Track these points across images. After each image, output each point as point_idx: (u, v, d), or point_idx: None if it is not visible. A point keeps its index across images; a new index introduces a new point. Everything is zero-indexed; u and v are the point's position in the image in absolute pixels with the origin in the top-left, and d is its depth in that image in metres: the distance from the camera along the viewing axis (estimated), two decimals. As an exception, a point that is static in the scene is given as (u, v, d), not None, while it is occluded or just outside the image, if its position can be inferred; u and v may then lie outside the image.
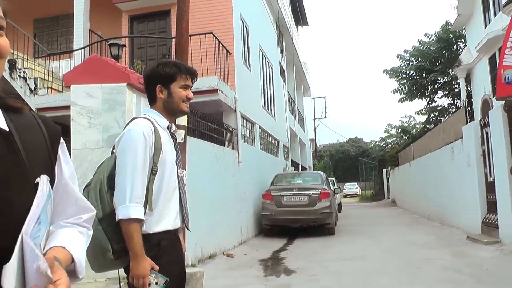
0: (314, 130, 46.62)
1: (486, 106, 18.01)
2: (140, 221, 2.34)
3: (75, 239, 1.35)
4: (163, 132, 2.59)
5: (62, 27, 14.92)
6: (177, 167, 2.63)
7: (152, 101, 2.70)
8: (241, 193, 12.17)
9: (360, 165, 47.40)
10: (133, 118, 2.63)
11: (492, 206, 10.05)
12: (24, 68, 10.82)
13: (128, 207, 2.31)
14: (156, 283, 2.33)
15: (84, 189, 2.43)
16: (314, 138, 46.39)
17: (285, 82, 23.64)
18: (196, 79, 2.79)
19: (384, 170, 33.40)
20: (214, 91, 10.57)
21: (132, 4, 13.27)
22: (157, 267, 2.36)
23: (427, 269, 7.49)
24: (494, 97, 12.74)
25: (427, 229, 13.50)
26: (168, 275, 2.40)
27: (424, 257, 8.59)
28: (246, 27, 14.49)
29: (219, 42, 11.46)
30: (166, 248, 2.48)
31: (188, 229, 2.75)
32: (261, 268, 8.49)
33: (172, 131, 2.69)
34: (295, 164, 25.31)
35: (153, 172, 2.45)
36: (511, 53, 10.78)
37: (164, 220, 2.49)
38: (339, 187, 20.39)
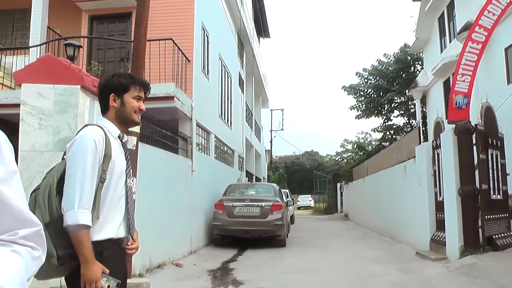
0: (270, 142, 46.86)
1: (438, 128, 18.49)
2: (88, 227, 2.34)
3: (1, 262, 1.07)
4: (114, 140, 2.61)
5: (18, 21, 14.45)
6: (126, 177, 2.63)
7: (105, 110, 2.73)
8: (193, 202, 12.05)
9: (314, 178, 47.89)
10: (86, 125, 2.64)
11: (440, 224, 10.26)
12: (-26, 62, 10.46)
13: (77, 213, 2.30)
14: (108, 286, 2.35)
15: (31, 194, 2.42)
16: (270, 150, 46.60)
17: (243, 93, 23.65)
18: (149, 93, 2.84)
19: (338, 184, 33.82)
20: (170, 98, 10.45)
21: (92, 4, 13.02)
22: (107, 271, 2.36)
23: (375, 284, 7.57)
24: (446, 120, 13.09)
25: (377, 244, 13.67)
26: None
27: (373, 272, 8.68)
28: (207, 35, 14.43)
29: (179, 49, 11.36)
30: (109, 258, 2.45)
31: (132, 239, 2.71)
32: (209, 278, 8.40)
33: (123, 140, 2.71)
34: (249, 175, 25.32)
35: (101, 180, 2.46)
36: (462, 79, 11.14)
37: (106, 228, 2.48)
38: (292, 199, 20.51)
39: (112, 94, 2.68)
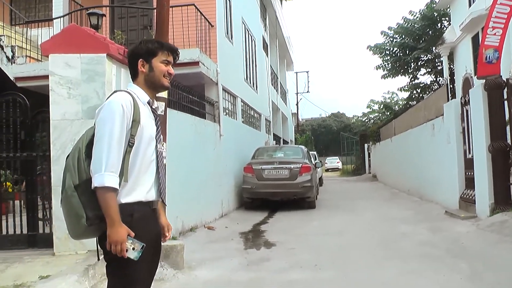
0: (297, 104, 46.73)
1: (467, 84, 18.16)
2: (114, 190, 2.39)
3: None
4: (143, 106, 2.65)
5: (41, -6, 14.53)
6: (156, 142, 2.67)
7: (134, 76, 2.76)
8: (222, 166, 12.17)
9: (342, 139, 47.69)
10: (114, 91, 2.67)
11: (470, 182, 10.18)
12: (1, 36, 10.57)
13: (103, 176, 2.35)
14: (133, 249, 2.39)
15: (66, 159, 2.51)
16: (296, 112, 46.49)
17: (267, 56, 23.50)
18: (178, 58, 2.85)
19: (366, 145, 33.64)
20: (195, 63, 10.46)
21: (113, -27, 13.00)
22: (133, 234, 2.41)
23: (404, 244, 7.59)
24: (475, 76, 12.82)
25: (406, 204, 13.66)
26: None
27: (402, 232, 8.71)
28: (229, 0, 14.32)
29: (201, 14, 11.30)
30: (139, 220, 2.51)
31: (164, 203, 2.78)
32: (241, 241, 8.54)
33: (153, 107, 2.75)
34: (277, 138, 25.35)
35: (129, 144, 2.50)
36: (493, 33, 10.82)
37: (135, 191, 2.53)
38: (320, 161, 20.49)
39: (141, 59, 2.71)
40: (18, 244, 6.33)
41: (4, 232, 6.47)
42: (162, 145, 2.79)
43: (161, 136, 2.79)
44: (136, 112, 2.53)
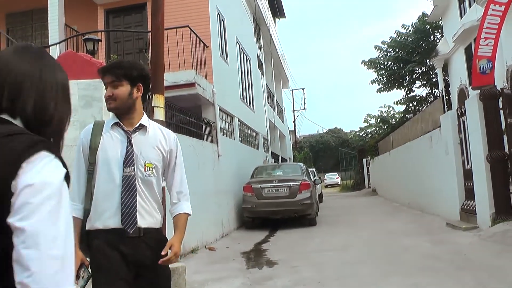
0: (294, 122, 46.75)
1: (462, 95, 18.24)
2: (74, 218, 2.38)
3: None
4: (110, 131, 2.62)
5: (36, 21, 14.62)
6: (124, 165, 2.56)
7: None
8: (221, 186, 12.16)
9: (340, 155, 47.74)
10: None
11: (469, 193, 10.19)
12: (-2, 65, 10.63)
13: None
14: (82, 277, 2.47)
15: None
16: (293, 130, 46.54)
17: (263, 75, 23.61)
18: (110, 74, 2.62)
19: (364, 160, 33.66)
20: (191, 85, 10.52)
21: (107, -2, 13.13)
22: (87, 262, 2.45)
23: (407, 258, 7.56)
24: (470, 87, 12.89)
25: (407, 217, 13.63)
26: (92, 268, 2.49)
27: (405, 246, 8.68)
28: (222, 20, 14.43)
29: (196, 36, 11.39)
30: (97, 248, 2.49)
31: (128, 232, 2.53)
32: (243, 260, 8.50)
33: (125, 129, 2.64)
34: (275, 156, 25.35)
35: (88, 171, 2.54)
36: (485, 44, 10.93)
37: (94, 219, 2.53)
38: (319, 178, 20.51)
39: None
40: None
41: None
42: (132, 169, 2.59)
43: (134, 159, 2.60)
44: (94, 139, 2.55)
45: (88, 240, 2.50)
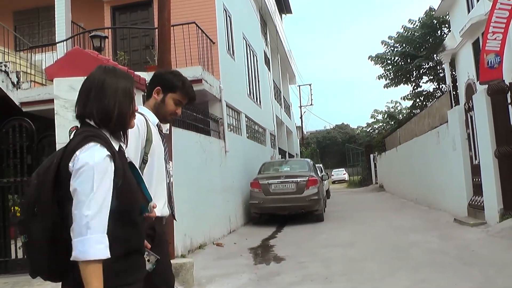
0: (301, 118, 46.73)
1: (470, 90, 18.14)
2: None
3: None
4: (153, 127, 2.75)
5: (43, 19, 14.67)
6: (165, 162, 2.79)
7: (148, 97, 2.91)
8: (228, 182, 12.17)
9: (347, 151, 47.57)
10: None
11: (477, 189, 10.14)
12: (6, 62, 10.68)
13: None
14: (148, 261, 2.43)
15: None
16: (300, 126, 46.50)
17: (270, 71, 23.59)
18: (192, 103, 3.06)
19: (371, 156, 33.58)
20: (198, 81, 10.51)
21: (114, -5, 13.15)
22: (149, 245, 2.44)
23: (415, 253, 7.56)
24: (478, 81, 12.82)
25: (414, 213, 13.61)
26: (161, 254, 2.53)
27: (412, 241, 8.66)
28: (229, 16, 14.42)
29: (202, 32, 11.38)
30: (159, 233, 2.63)
31: (174, 218, 2.93)
32: (250, 256, 8.52)
33: (161, 129, 2.85)
34: (282, 152, 25.34)
35: (143, 161, 2.60)
36: (493, 38, 10.85)
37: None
38: (326, 174, 20.45)
39: (158, 87, 2.83)
40: (27, 268, 6.33)
41: (13, 256, 6.49)
42: (169, 165, 2.90)
43: (168, 156, 2.89)
44: (149, 131, 2.64)
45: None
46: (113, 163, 1.88)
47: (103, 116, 1.97)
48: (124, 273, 1.92)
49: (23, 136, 6.59)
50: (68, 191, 1.82)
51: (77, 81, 5.97)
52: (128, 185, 1.98)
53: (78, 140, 1.88)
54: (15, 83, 10.51)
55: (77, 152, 1.84)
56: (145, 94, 3.01)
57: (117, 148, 2.02)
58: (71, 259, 1.76)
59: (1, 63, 10.58)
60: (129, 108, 2.04)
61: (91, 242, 1.75)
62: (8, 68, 10.52)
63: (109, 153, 1.87)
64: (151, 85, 2.87)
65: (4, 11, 13.94)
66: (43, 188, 1.88)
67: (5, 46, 11.21)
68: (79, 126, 2.04)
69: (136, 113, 2.57)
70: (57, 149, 5.92)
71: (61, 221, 1.84)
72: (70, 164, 1.84)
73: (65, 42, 11.67)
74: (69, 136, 1.92)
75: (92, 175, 1.80)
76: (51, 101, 6.42)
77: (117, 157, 1.93)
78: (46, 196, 1.86)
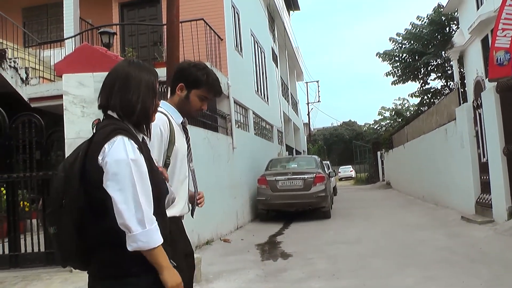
0: (308, 114, 46.73)
1: (478, 87, 18.07)
2: None
3: None
4: (177, 126, 2.69)
5: (51, 15, 14.72)
6: (188, 161, 2.76)
7: (172, 93, 2.82)
8: (236, 178, 12.19)
9: (354, 148, 47.51)
10: None
11: (485, 187, 10.11)
12: (15, 58, 10.74)
13: None
14: None
15: None
16: (308, 122, 46.49)
17: (277, 67, 23.58)
18: (219, 97, 2.91)
19: (379, 153, 33.51)
20: (206, 77, 10.52)
21: (122, -9, 13.18)
22: None
23: (422, 251, 7.55)
24: (487, 79, 12.77)
25: (422, 210, 13.58)
26: (175, 255, 2.47)
27: (419, 239, 8.66)
28: (237, 12, 14.43)
29: (211, 28, 11.40)
30: (174, 232, 2.53)
31: (192, 216, 2.95)
32: (258, 252, 8.54)
33: (185, 125, 2.82)
34: (289, 149, 25.35)
35: (166, 164, 2.57)
36: (503, 35, 10.79)
37: (173, 208, 2.56)
38: (333, 171, 20.45)
39: (182, 84, 2.74)
40: (36, 262, 6.40)
41: (22, 250, 6.54)
42: (192, 164, 2.89)
43: (192, 154, 2.87)
44: (172, 133, 2.59)
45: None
46: (142, 154, 1.95)
47: (127, 108, 2.02)
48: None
49: (32, 132, 6.63)
50: (97, 182, 1.89)
51: (86, 77, 6.05)
52: (156, 175, 2.05)
53: (106, 133, 1.93)
54: (24, 79, 10.57)
55: (106, 146, 1.90)
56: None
57: (140, 140, 2.08)
58: (131, 249, 1.87)
59: (10, 59, 10.64)
60: (152, 102, 2.09)
61: (153, 232, 1.89)
62: (17, 64, 10.58)
63: (137, 146, 1.95)
64: (174, 81, 2.78)
65: (13, 7, 13.99)
66: (70, 181, 1.95)
67: (14, 42, 11.27)
68: (101, 119, 2.09)
69: (159, 113, 2.54)
70: (65, 145, 5.98)
71: (89, 211, 1.93)
72: (99, 157, 1.90)
73: (73, 38, 11.72)
74: (92, 129, 1.88)
75: (129, 170, 1.87)
76: (59, 97, 6.46)
77: (143, 148, 2.01)
78: (74, 188, 1.93)
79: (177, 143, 2.62)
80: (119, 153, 1.88)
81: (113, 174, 1.87)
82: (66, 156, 5.99)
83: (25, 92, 10.48)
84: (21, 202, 7.21)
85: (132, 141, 1.94)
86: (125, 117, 2.03)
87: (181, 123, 2.76)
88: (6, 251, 6.53)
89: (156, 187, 2.01)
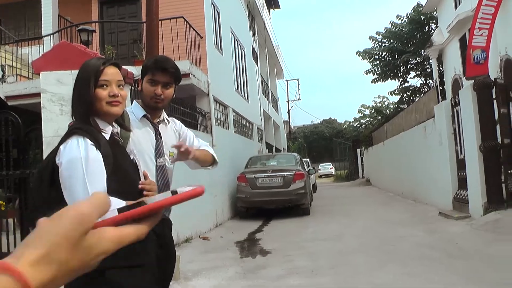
0: (288, 112, 46.82)
1: (456, 85, 18.29)
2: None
3: None
4: (137, 122, 2.66)
5: (29, 12, 14.54)
6: (155, 156, 2.70)
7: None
8: (215, 176, 12.17)
9: (334, 145, 47.78)
10: None
11: (462, 183, 10.26)
12: (-9, 56, 10.60)
13: None
14: None
15: None
16: (288, 120, 46.59)
17: (257, 65, 23.60)
18: (168, 71, 2.70)
19: (358, 150, 33.73)
20: (186, 75, 10.50)
21: (101, -12, 13.07)
22: None
23: (401, 247, 7.63)
24: (465, 77, 12.93)
25: (401, 207, 13.72)
26: (146, 255, 2.43)
27: (398, 235, 8.75)
28: (217, 11, 14.40)
29: (190, 26, 11.37)
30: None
31: (165, 216, 2.74)
32: (237, 250, 8.55)
33: (154, 121, 2.75)
34: (269, 146, 25.40)
35: None
36: (480, 34, 10.97)
37: None
38: (313, 168, 20.54)
39: (139, 78, 2.75)
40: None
41: (4, 250, 6.46)
42: (163, 159, 2.78)
43: (163, 150, 2.76)
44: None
45: None
46: (99, 151, 1.97)
47: (72, 108, 2.12)
48: (124, 255, 1.95)
49: (9, 130, 6.56)
50: (60, 183, 1.95)
51: (65, 75, 5.99)
52: (124, 170, 2.07)
53: (64, 136, 2.01)
54: (1, 76, 10.43)
55: (61, 147, 1.98)
56: (133, 88, 2.94)
57: (107, 137, 2.09)
58: None
59: (-13, 56, 10.50)
60: (87, 94, 2.05)
61: None
62: (-6, 61, 10.45)
63: (92, 143, 1.96)
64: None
65: (-11, 4, 13.79)
66: (42, 183, 2.02)
67: (-9, 40, 11.12)
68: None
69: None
70: (43, 143, 5.92)
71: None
72: (56, 159, 1.97)
73: (52, 36, 11.58)
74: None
75: (80, 168, 1.90)
76: (37, 95, 6.39)
77: (104, 145, 2.01)
78: (45, 190, 1.99)
79: (134, 137, 2.56)
80: (70, 152, 1.93)
81: (66, 175, 1.93)
82: (43, 155, 5.97)
83: (2, 90, 10.33)
84: (-2, 201, 7.14)
85: (88, 139, 1.96)
86: (74, 117, 2.12)
87: (146, 118, 2.71)
88: (-18, 251, 6.45)
89: (124, 182, 2.03)
